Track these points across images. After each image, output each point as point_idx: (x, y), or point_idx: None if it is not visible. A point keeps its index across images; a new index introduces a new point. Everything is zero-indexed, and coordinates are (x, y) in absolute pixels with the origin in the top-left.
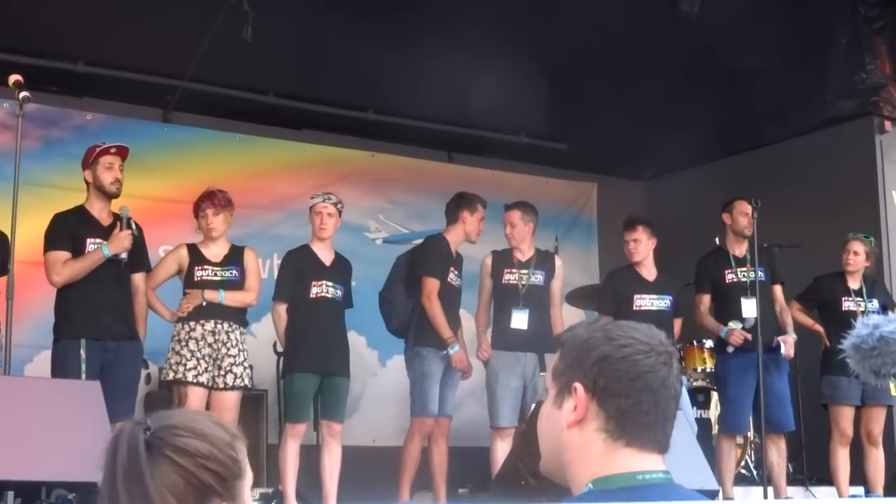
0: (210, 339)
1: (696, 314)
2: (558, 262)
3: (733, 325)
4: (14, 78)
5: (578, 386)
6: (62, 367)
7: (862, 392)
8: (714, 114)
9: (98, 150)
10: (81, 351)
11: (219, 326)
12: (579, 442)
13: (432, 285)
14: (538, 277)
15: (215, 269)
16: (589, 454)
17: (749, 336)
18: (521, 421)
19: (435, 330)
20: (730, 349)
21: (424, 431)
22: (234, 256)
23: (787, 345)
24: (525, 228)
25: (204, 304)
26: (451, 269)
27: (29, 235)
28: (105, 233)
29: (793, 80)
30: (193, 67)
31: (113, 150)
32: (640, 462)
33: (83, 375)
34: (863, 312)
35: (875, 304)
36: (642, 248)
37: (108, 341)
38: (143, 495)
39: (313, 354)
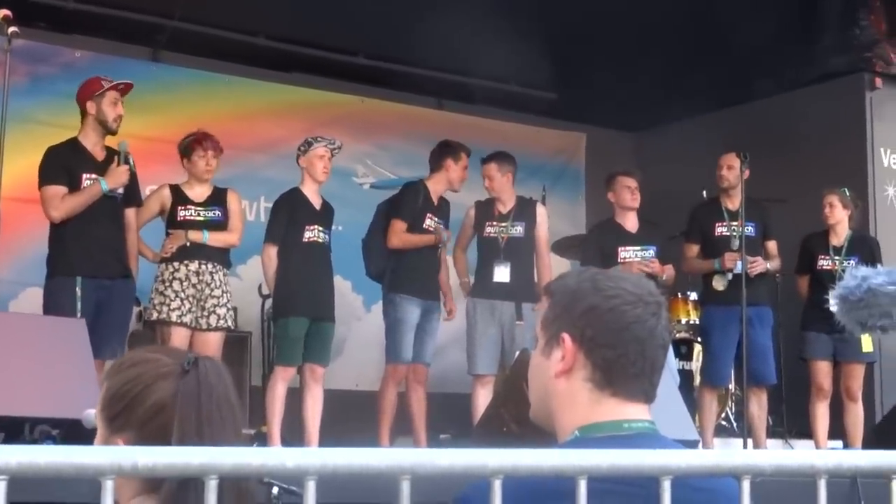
0: (194, 280)
1: (683, 262)
2: (540, 209)
3: (720, 277)
4: (3, 13)
5: (566, 336)
6: (56, 303)
7: (833, 348)
8: (705, 67)
9: (107, 84)
10: (77, 289)
11: (203, 267)
12: (566, 391)
13: (394, 226)
14: (518, 229)
15: (198, 209)
16: (576, 403)
17: (739, 256)
18: (501, 368)
19: (415, 263)
20: (727, 279)
21: (398, 378)
22: (218, 197)
23: (754, 261)
24: (503, 179)
25: (188, 244)
26: (429, 214)
27: (15, 172)
28: (99, 167)
29: (786, 35)
30: (183, 6)
31: (121, 87)
32: (627, 411)
33: (78, 313)
34: (835, 271)
35: (852, 263)
36: (638, 196)
37: (103, 279)
38: (233, 419)
39: (307, 299)
